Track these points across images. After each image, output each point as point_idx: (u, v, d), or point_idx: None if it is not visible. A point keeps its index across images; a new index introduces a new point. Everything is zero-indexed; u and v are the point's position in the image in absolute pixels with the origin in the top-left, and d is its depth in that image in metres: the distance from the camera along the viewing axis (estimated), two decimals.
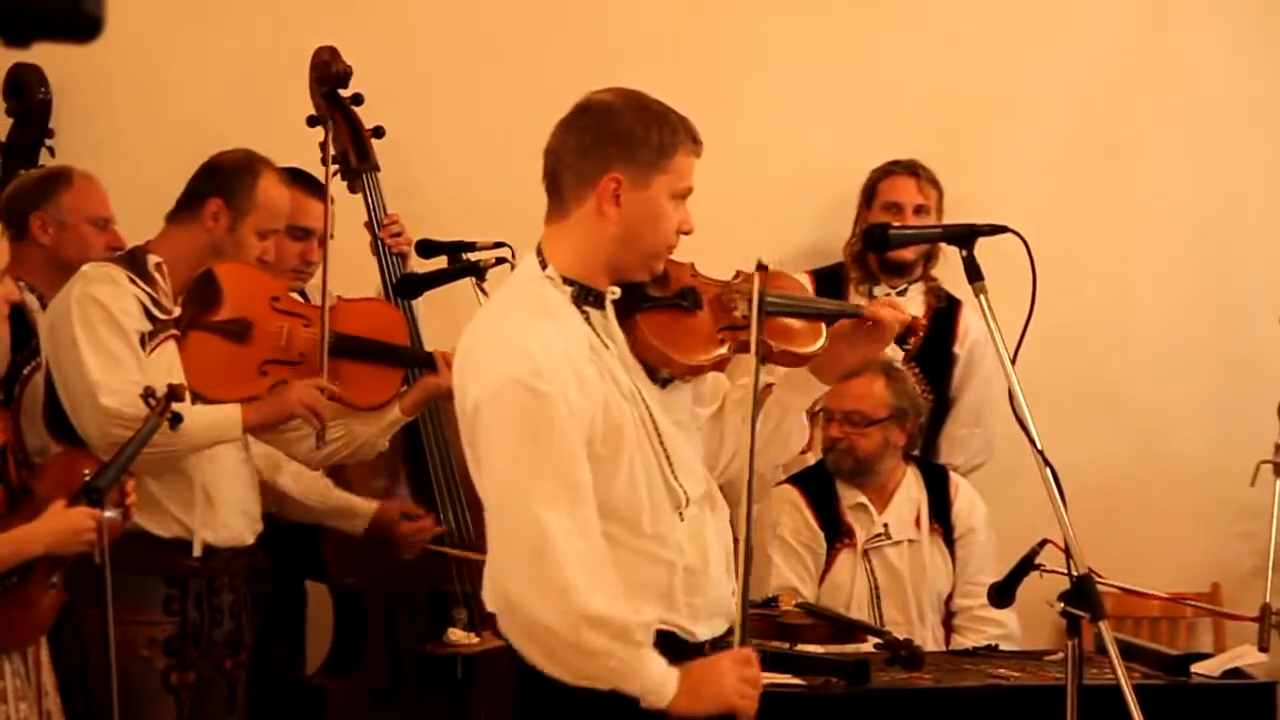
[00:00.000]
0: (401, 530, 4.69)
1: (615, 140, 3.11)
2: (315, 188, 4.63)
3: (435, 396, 4.40)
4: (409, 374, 4.46)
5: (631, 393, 3.13)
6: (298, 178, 4.60)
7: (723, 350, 3.29)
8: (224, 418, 4.13)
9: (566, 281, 3.12)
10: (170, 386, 3.88)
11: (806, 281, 5.47)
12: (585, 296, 3.14)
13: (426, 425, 4.79)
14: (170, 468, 4.11)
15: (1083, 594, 3.09)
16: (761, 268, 3.24)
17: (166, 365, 4.08)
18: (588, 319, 3.14)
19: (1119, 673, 2.97)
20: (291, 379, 4.22)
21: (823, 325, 3.42)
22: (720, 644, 3.18)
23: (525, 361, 2.99)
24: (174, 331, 4.13)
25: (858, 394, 4.92)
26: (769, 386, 3.42)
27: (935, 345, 5.47)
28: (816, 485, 4.97)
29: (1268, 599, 4.33)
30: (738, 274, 3.40)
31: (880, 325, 3.42)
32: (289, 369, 4.24)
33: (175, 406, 3.88)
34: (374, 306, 4.55)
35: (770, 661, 4.12)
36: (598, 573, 2.99)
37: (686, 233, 3.19)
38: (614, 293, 3.18)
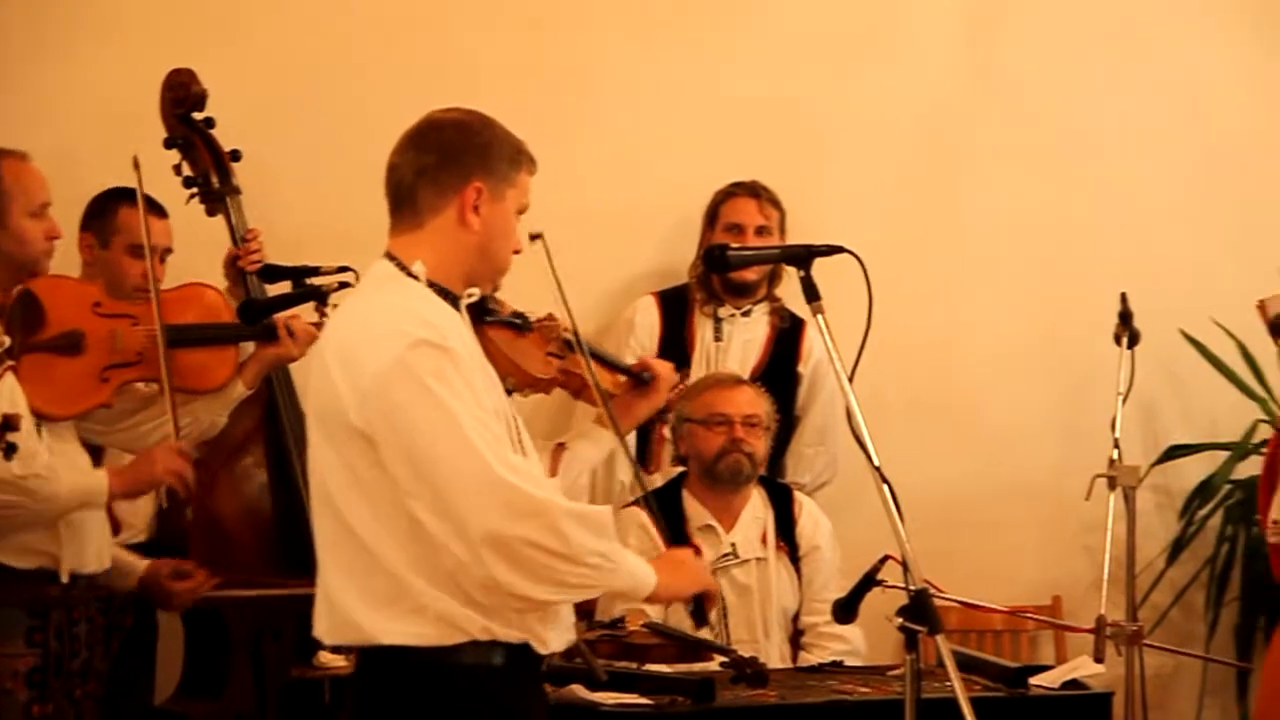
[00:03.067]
0: (171, 588, 4.64)
1: (476, 151, 3.17)
2: (154, 206, 4.62)
3: (276, 365, 4.52)
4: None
5: (498, 385, 3.19)
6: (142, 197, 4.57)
7: (552, 372, 3.39)
8: (92, 484, 4.18)
9: (429, 284, 3.15)
10: (5, 416, 3.83)
11: (653, 304, 5.54)
12: (443, 298, 3.16)
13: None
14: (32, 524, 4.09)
15: (920, 608, 3.14)
16: (535, 236, 3.34)
17: (8, 396, 4.04)
18: None
19: (956, 685, 3.02)
20: (134, 379, 4.28)
21: (623, 378, 3.60)
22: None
23: (424, 326, 3.03)
24: (10, 362, 4.09)
25: (749, 400, 5.02)
26: (561, 445, 3.55)
27: (780, 365, 5.52)
28: (664, 506, 5.00)
29: (1103, 611, 4.40)
30: (549, 315, 3.51)
31: (659, 379, 3.66)
32: (131, 370, 4.27)
33: (10, 436, 3.82)
34: (192, 291, 4.57)
35: (617, 682, 4.15)
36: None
37: (517, 252, 3.26)
38: (472, 294, 3.22)
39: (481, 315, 3.30)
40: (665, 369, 3.72)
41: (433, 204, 3.16)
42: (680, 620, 4.81)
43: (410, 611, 3.04)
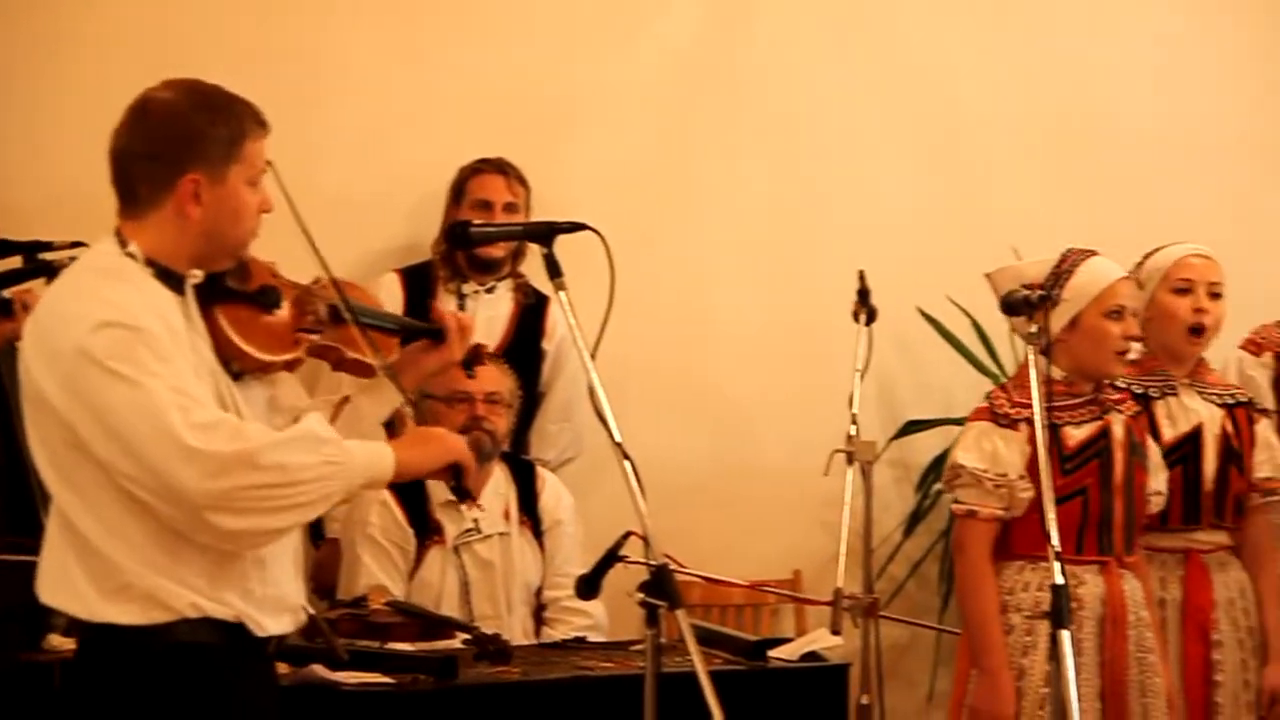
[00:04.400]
0: None
1: (185, 142, 3.10)
2: None
3: (8, 341, 4.36)
4: None
5: (215, 370, 3.14)
6: None
7: (298, 352, 3.32)
8: None
9: (148, 262, 3.09)
10: None
11: (396, 282, 5.49)
12: (166, 278, 3.11)
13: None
14: None
15: (661, 584, 3.16)
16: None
17: None
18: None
19: (695, 659, 3.05)
20: None
21: (397, 340, 3.50)
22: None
23: (110, 308, 2.98)
24: None
25: (491, 377, 4.99)
26: (345, 398, 3.47)
27: (524, 341, 5.53)
28: (406, 483, 4.97)
29: (840, 584, 4.47)
30: (316, 280, 3.41)
31: (450, 335, 3.57)
32: None
33: None
34: None
35: (358, 661, 4.12)
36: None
37: (267, 211, 3.20)
38: (195, 275, 3.17)
39: (213, 295, 3.23)
40: (456, 319, 3.63)
41: (150, 197, 3.10)
42: (463, 605, 4.84)
43: (117, 589, 3.03)
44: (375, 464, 3.15)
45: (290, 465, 3.00)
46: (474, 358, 3.60)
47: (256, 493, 2.98)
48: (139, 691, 3.05)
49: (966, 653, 4.45)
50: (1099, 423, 4.44)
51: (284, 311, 3.33)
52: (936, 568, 6.10)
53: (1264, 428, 4.82)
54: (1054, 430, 4.31)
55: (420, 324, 3.67)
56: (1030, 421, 4.20)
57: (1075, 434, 4.40)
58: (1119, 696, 4.36)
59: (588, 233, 3.39)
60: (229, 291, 3.26)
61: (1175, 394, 4.71)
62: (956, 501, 4.41)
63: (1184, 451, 4.67)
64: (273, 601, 3.16)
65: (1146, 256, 4.78)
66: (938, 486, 6.07)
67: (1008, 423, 4.34)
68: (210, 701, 3.09)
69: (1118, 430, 4.46)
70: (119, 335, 2.96)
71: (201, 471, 2.94)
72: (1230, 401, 4.77)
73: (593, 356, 3.27)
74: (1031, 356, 3.88)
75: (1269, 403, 4.95)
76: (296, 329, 3.34)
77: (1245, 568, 4.75)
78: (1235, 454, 4.73)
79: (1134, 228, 5.01)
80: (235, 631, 3.10)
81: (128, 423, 2.95)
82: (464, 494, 3.44)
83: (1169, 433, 4.68)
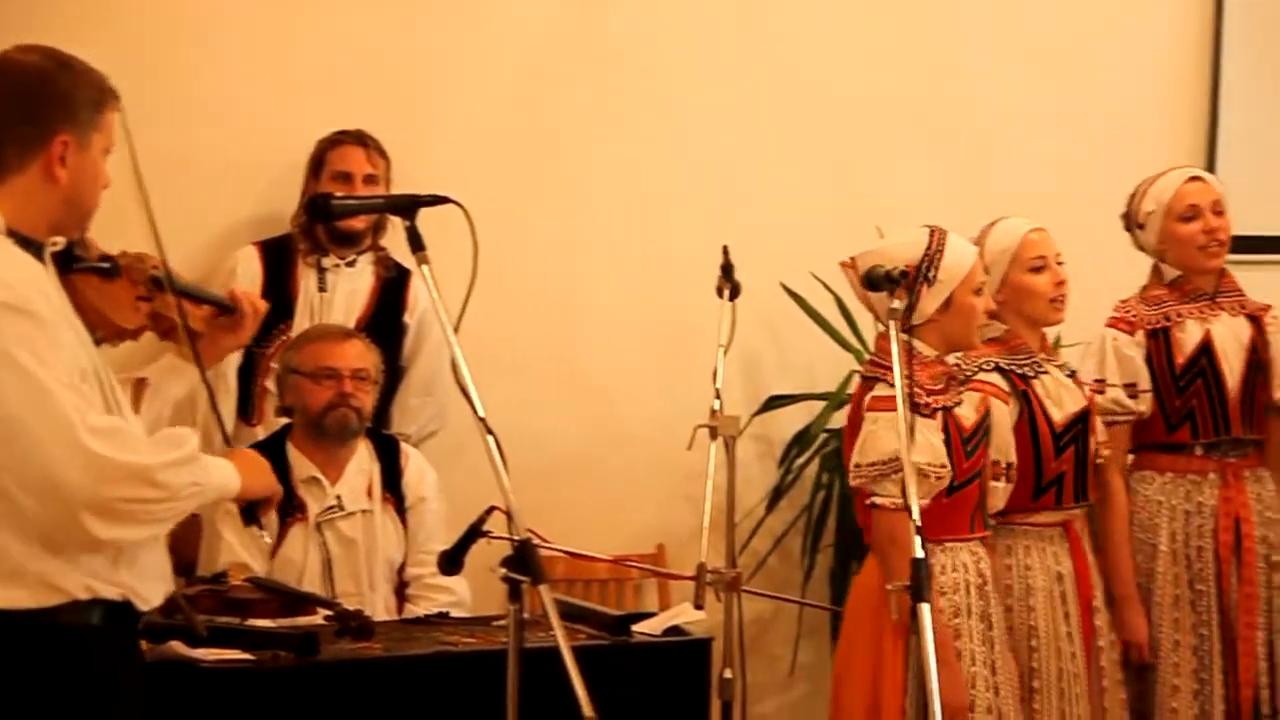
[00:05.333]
0: None
1: (56, 103, 3.07)
2: None
3: None
4: None
5: (87, 341, 3.11)
6: None
7: (142, 319, 3.31)
8: None
9: (9, 232, 3.05)
10: None
11: (254, 255, 5.44)
12: (26, 247, 3.07)
13: None
14: None
15: (524, 559, 3.16)
16: None
17: None
18: None
19: (558, 634, 3.05)
20: None
21: (209, 309, 3.51)
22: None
23: (2, 288, 2.94)
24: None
25: (358, 353, 5.00)
26: (143, 379, 3.47)
27: (385, 315, 5.48)
28: (268, 458, 4.92)
29: (704, 558, 4.48)
30: (123, 252, 3.40)
31: (244, 316, 3.59)
32: None
33: None
34: None
35: (218, 638, 4.08)
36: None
37: (106, 186, 3.18)
38: (57, 243, 3.15)
39: (69, 263, 3.20)
40: (251, 300, 3.64)
41: (19, 161, 3.07)
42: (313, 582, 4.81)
43: (8, 575, 2.99)
44: (226, 485, 3.24)
45: (174, 485, 3.03)
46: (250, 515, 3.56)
47: (139, 506, 2.99)
48: (20, 679, 3.01)
49: (864, 639, 4.45)
50: (983, 404, 4.52)
51: (123, 279, 3.33)
52: (799, 542, 6.12)
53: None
54: (950, 413, 4.39)
55: (220, 299, 3.66)
56: (944, 409, 4.35)
57: (966, 415, 4.45)
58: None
59: (451, 206, 3.38)
60: (79, 260, 3.23)
61: (1046, 372, 4.77)
62: (884, 495, 4.31)
63: (1075, 431, 4.74)
64: (154, 569, 3.17)
65: (983, 233, 4.81)
66: (800, 461, 6.12)
67: (929, 412, 4.34)
68: (92, 687, 3.07)
69: (995, 410, 4.56)
70: (16, 319, 2.93)
71: (95, 476, 2.93)
72: (1068, 373, 4.87)
73: (455, 330, 3.26)
74: (894, 333, 3.90)
75: (1145, 383, 5.02)
76: (135, 297, 3.34)
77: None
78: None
79: (999, 205, 5.04)
80: (119, 611, 3.09)
81: (18, 413, 2.91)
82: (255, 520, 3.47)
83: (1058, 414, 4.73)
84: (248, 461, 3.39)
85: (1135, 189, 5.12)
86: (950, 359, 4.53)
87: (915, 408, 4.26)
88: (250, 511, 3.42)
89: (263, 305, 3.68)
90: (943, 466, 4.31)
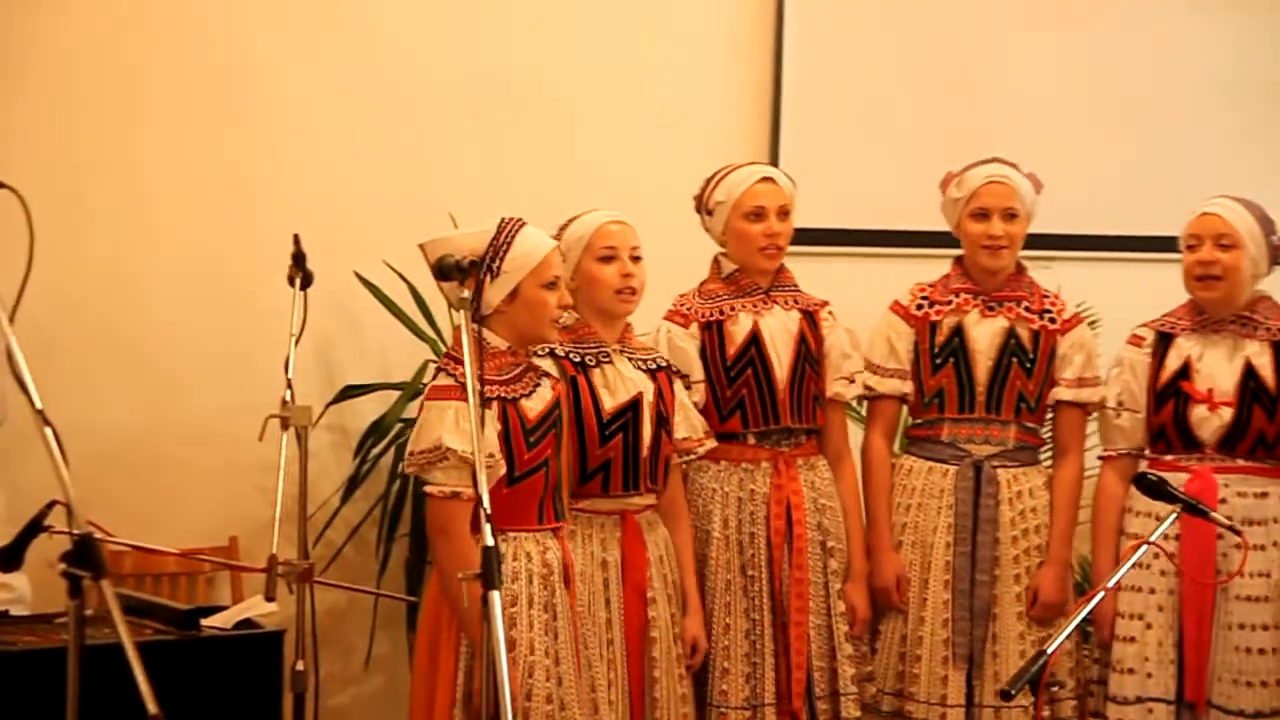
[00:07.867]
0: None
1: None
2: None
3: None
4: None
5: None
6: None
7: None
8: None
9: None
10: None
11: None
12: None
13: None
14: None
15: (83, 553, 3.09)
16: None
17: None
18: None
19: (120, 630, 2.99)
20: None
21: None
22: None
23: None
24: None
25: None
26: None
27: None
28: None
29: (275, 550, 4.46)
30: None
31: None
32: None
33: None
34: None
35: None
36: None
37: None
38: None
39: None
40: None
41: None
42: None
43: None
44: None
45: None
46: None
47: None
48: None
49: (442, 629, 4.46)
50: (553, 394, 4.55)
51: None
52: (375, 532, 6.11)
53: (681, 390, 5.03)
54: (514, 404, 4.43)
55: None
56: (501, 399, 4.37)
57: (533, 406, 4.49)
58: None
59: (3, 191, 3.29)
60: None
61: (610, 361, 4.84)
62: (433, 484, 4.35)
63: (624, 420, 4.82)
64: None
65: (564, 225, 4.89)
66: (376, 451, 6.10)
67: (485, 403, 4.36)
68: None
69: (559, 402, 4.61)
70: None
71: None
72: (652, 367, 4.95)
73: (12, 320, 3.18)
74: (464, 322, 3.92)
75: (698, 373, 5.15)
76: None
77: (665, 522, 4.97)
78: (665, 419, 4.92)
79: (576, 197, 5.11)
80: None
81: None
82: None
83: (609, 402, 4.81)
84: None
85: (711, 174, 5.24)
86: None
87: (465, 396, 4.30)
88: None
89: None
90: (491, 456, 4.35)
